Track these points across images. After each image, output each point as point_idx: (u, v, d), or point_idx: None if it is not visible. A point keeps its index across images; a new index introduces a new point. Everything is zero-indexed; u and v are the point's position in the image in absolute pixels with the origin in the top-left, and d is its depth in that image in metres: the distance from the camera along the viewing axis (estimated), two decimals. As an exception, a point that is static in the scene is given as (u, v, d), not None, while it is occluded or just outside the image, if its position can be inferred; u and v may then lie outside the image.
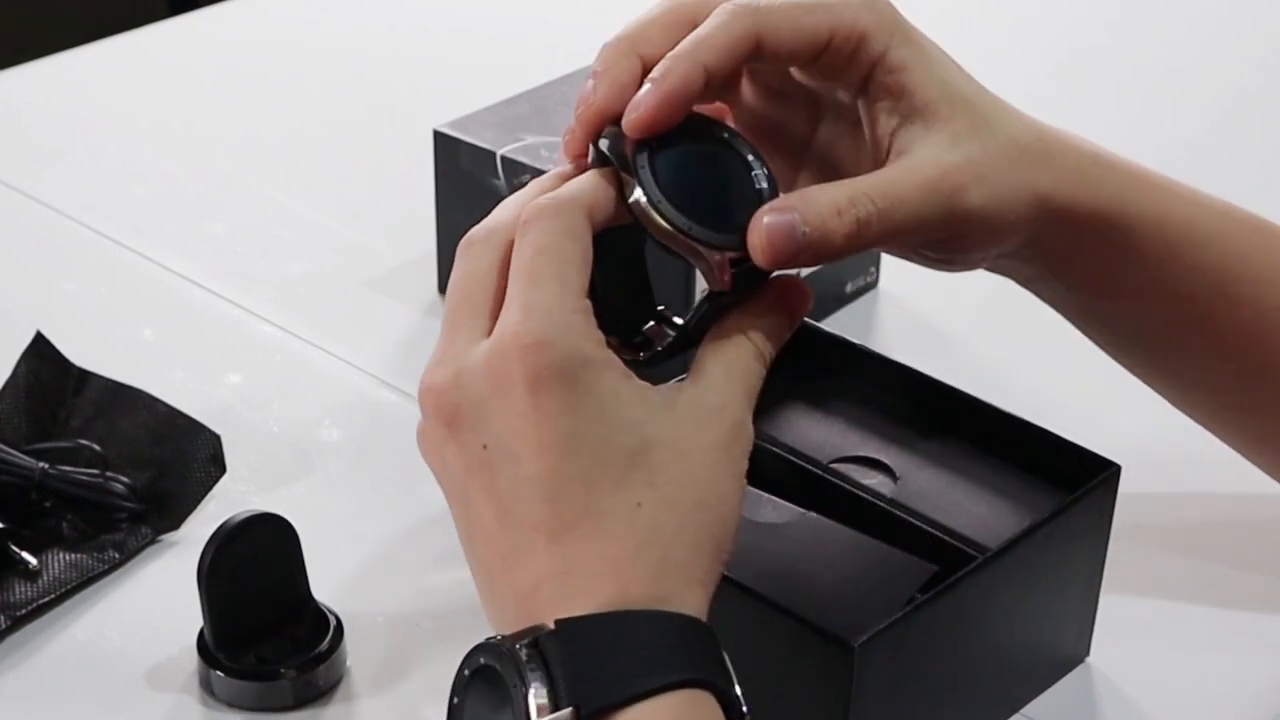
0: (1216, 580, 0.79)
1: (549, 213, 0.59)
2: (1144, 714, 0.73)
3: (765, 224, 0.59)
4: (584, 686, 0.54)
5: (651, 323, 0.64)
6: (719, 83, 0.62)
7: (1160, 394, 0.75)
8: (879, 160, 0.63)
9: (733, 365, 0.60)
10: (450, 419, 0.58)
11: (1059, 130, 0.67)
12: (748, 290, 0.61)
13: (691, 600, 0.57)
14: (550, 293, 0.57)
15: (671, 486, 0.57)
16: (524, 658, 0.54)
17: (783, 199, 0.60)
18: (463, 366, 0.58)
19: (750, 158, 0.62)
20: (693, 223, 0.59)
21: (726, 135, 0.62)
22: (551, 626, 0.55)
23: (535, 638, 0.55)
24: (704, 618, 0.58)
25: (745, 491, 0.60)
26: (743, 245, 0.60)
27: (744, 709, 0.56)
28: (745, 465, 0.59)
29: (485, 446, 0.57)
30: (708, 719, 0.55)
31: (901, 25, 0.63)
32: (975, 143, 0.63)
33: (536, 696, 0.54)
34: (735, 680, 0.57)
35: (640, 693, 0.54)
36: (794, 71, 0.66)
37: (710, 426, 0.58)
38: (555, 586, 0.56)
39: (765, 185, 0.62)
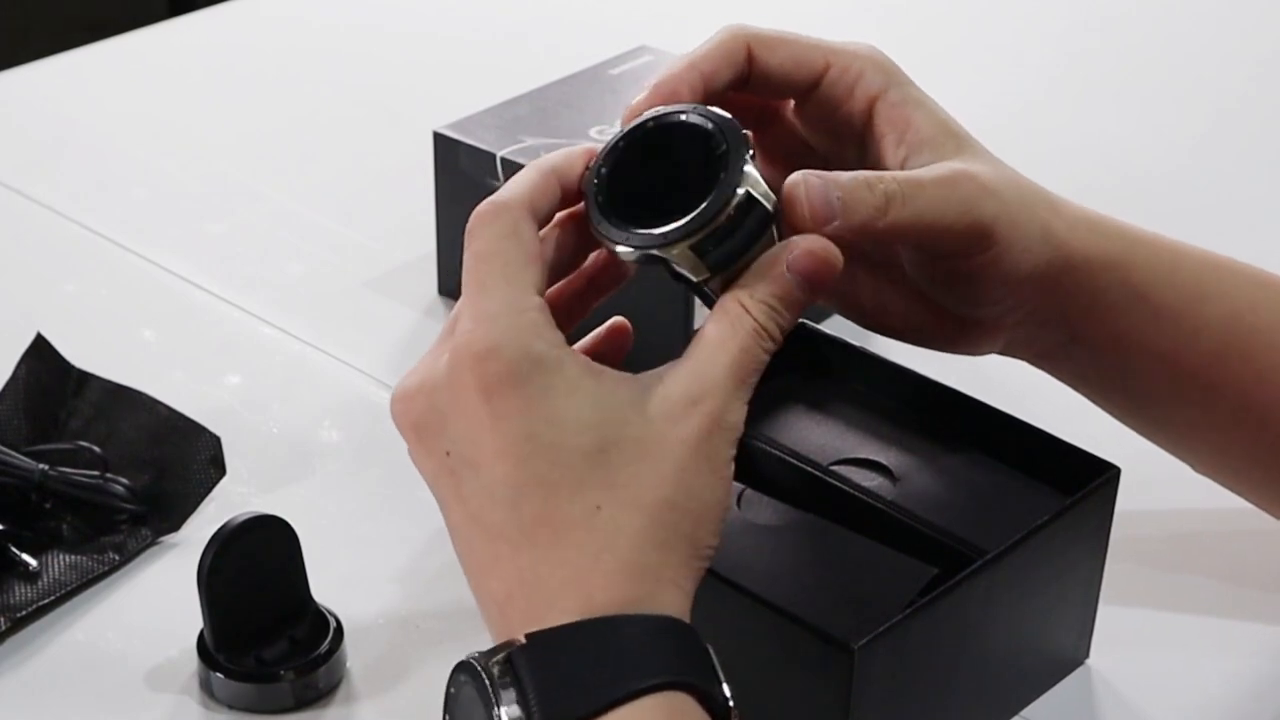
0: (1216, 582, 0.79)
1: (486, 218, 0.59)
2: (1143, 716, 0.73)
3: (808, 183, 0.59)
4: (556, 700, 0.54)
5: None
6: (720, 90, 0.63)
7: (1183, 460, 0.75)
8: None
9: (723, 348, 0.58)
10: (414, 426, 0.59)
11: None
12: (725, 270, 0.59)
13: (667, 600, 0.56)
14: (497, 297, 0.57)
15: (633, 486, 0.56)
16: (496, 675, 0.54)
17: (814, 172, 0.60)
18: (427, 375, 0.59)
19: (710, 126, 0.60)
20: (629, 232, 0.59)
21: (684, 118, 0.61)
22: (523, 640, 0.55)
23: (508, 653, 0.55)
24: (685, 616, 0.57)
25: (730, 484, 0.58)
26: (690, 233, 0.58)
27: (729, 705, 0.55)
28: (729, 456, 0.57)
29: (448, 453, 0.58)
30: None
31: (899, 71, 0.66)
32: (985, 167, 0.64)
33: (510, 714, 0.54)
34: (722, 678, 0.56)
35: (612, 700, 0.54)
36: (799, 120, 0.67)
37: (684, 420, 0.57)
38: (523, 597, 0.56)
39: (725, 147, 0.59)
